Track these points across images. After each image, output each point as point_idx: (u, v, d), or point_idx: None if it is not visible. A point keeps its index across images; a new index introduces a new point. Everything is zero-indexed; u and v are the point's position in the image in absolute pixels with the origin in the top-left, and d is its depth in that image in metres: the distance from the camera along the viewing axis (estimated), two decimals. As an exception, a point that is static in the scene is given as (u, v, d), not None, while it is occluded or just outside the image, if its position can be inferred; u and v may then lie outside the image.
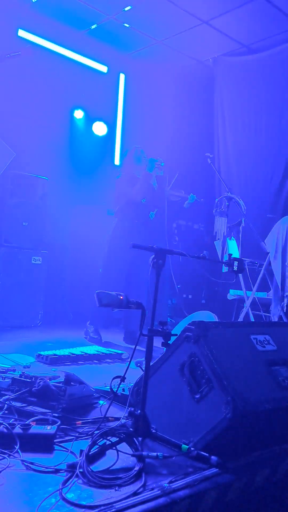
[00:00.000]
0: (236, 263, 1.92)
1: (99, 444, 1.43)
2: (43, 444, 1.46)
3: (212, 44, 5.04)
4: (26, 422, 1.54)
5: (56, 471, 1.32)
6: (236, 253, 3.51)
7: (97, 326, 3.68)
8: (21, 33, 4.67)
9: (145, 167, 3.71)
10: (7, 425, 1.47)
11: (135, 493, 1.23)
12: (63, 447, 1.48)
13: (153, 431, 1.48)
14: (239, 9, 4.38)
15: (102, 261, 3.81)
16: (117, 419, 1.64)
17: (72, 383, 1.86)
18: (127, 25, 4.84)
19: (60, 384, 1.84)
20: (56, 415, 1.68)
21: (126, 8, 4.53)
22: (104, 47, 5.26)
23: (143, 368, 1.55)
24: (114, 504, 1.17)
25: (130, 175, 3.72)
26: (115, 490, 1.24)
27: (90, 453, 1.37)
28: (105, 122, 5.25)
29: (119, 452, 1.44)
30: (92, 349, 3.02)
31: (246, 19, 4.54)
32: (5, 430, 1.45)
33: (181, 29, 4.81)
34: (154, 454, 1.38)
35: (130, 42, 5.16)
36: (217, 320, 3.20)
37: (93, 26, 4.90)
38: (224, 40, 4.95)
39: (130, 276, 3.63)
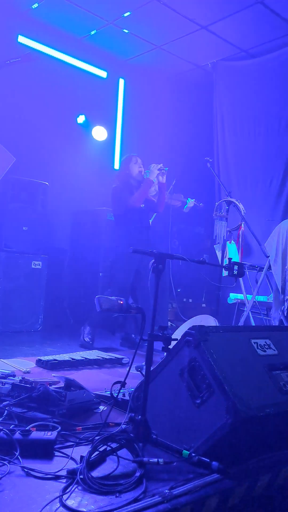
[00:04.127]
0: (236, 267, 1.92)
1: (99, 450, 1.42)
2: (43, 450, 1.45)
3: (211, 49, 5.07)
4: (26, 428, 1.53)
5: (56, 477, 1.32)
6: (236, 257, 3.51)
7: (94, 329, 3.63)
8: (21, 39, 4.70)
9: (141, 175, 3.70)
10: (7, 431, 1.46)
11: (136, 500, 1.22)
12: (63, 453, 1.48)
13: (154, 436, 1.47)
14: (238, 14, 4.41)
15: (112, 269, 3.77)
16: (118, 424, 1.63)
17: (72, 388, 1.86)
18: (126, 31, 4.87)
19: (60, 390, 1.83)
20: (56, 420, 1.67)
21: (125, 14, 4.56)
22: (103, 52, 5.29)
23: (144, 373, 1.54)
24: (114, 511, 1.16)
25: (127, 183, 3.72)
26: (116, 496, 1.23)
27: (90, 459, 1.36)
28: (105, 127, 5.27)
29: (119, 458, 1.43)
30: (92, 354, 3.01)
31: (244, 24, 4.57)
32: (5, 436, 1.44)
33: (180, 35, 4.85)
34: (155, 460, 1.37)
35: (130, 47, 5.19)
36: (217, 324, 3.20)
37: (93, 32, 4.93)
38: (223, 45, 4.99)
39: (137, 283, 3.63)
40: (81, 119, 5.08)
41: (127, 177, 3.74)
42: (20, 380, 1.92)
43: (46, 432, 1.51)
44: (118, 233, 3.73)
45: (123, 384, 1.59)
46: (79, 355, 2.92)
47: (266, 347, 1.71)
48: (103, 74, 5.40)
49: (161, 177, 3.69)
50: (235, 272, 1.90)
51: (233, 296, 3.82)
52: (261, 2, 4.22)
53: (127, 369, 1.61)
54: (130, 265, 3.61)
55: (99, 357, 2.93)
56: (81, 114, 5.08)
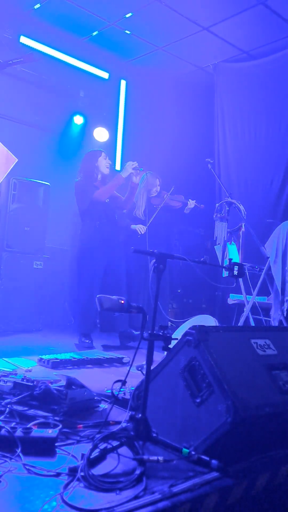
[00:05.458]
0: (236, 267, 1.93)
1: (100, 448, 1.44)
2: (45, 447, 1.47)
3: (212, 50, 5.08)
4: (27, 426, 1.55)
5: (58, 474, 1.33)
6: (236, 258, 3.52)
7: (86, 332, 3.65)
8: (23, 39, 4.72)
9: (109, 170, 3.73)
10: (8, 428, 1.48)
11: (136, 497, 1.23)
12: (65, 451, 1.49)
13: (154, 435, 1.49)
14: (239, 16, 4.42)
15: (77, 264, 3.73)
16: (118, 423, 1.64)
17: (73, 386, 1.87)
18: (128, 32, 4.89)
19: (62, 388, 1.85)
20: (57, 418, 1.69)
21: (127, 15, 4.58)
22: (105, 53, 5.31)
23: (144, 372, 1.56)
24: (115, 508, 1.17)
25: (92, 177, 3.71)
26: (116, 493, 1.25)
27: (91, 457, 1.37)
28: (106, 128, 5.29)
29: (120, 456, 1.44)
30: (93, 353, 3.02)
31: (246, 26, 4.58)
32: (6, 433, 1.46)
33: (181, 36, 4.86)
34: (155, 458, 1.38)
35: (131, 48, 5.21)
36: (217, 325, 3.21)
37: (95, 33, 4.95)
38: (224, 47, 5.00)
39: (108, 276, 3.64)
40: (78, 120, 5.08)
41: (94, 171, 3.71)
42: (21, 378, 1.93)
43: (47, 430, 1.53)
44: (84, 228, 3.71)
45: (123, 383, 1.61)
46: (80, 354, 2.94)
47: (266, 347, 1.73)
48: (105, 75, 5.41)
49: (134, 177, 3.68)
50: (236, 272, 1.92)
51: (233, 297, 3.84)
52: (263, 3, 4.23)
53: (128, 368, 1.62)
54: (97, 260, 3.59)
55: (100, 356, 2.94)
56: (78, 115, 5.08)
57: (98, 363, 2.88)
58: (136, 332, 3.66)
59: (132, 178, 3.70)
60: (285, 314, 3.12)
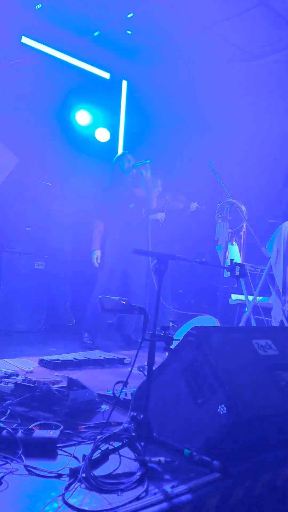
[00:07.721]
0: (237, 268, 1.93)
1: (101, 449, 1.44)
2: (46, 449, 1.47)
3: (215, 50, 5.08)
4: (29, 427, 1.55)
5: (59, 476, 1.33)
6: (237, 258, 3.52)
7: (92, 333, 3.69)
8: (25, 40, 4.72)
9: (132, 174, 3.77)
10: (10, 430, 1.48)
11: (137, 498, 1.23)
12: (66, 452, 1.49)
13: (156, 436, 1.49)
14: (242, 16, 4.41)
15: (100, 270, 3.78)
16: (120, 424, 1.64)
17: (74, 388, 1.87)
18: (129, 32, 4.88)
19: (63, 389, 1.85)
20: (58, 419, 1.69)
21: (129, 15, 4.57)
22: (106, 53, 5.31)
23: (146, 373, 1.56)
24: (116, 509, 1.18)
25: (119, 184, 3.77)
26: (118, 495, 1.25)
27: (92, 458, 1.37)
28: (108, 128, 5.29)
29: (121, 457, 1.44)
30: (94, 354, 3.02)
31: (248, 26, 4.57)
32: (8, 435, 1.46)
33: (183, 36, 4.86)
34: (157, 459, 1.38)
35: (133, 48, 5.20)
36: (219, 325, 3.21)
37: (96, 33, 4.94)
38: (227, 46, 4.99)
39: (128, 283, 3.68)
40: (82, 120, 5.07)
41: (119, 177, 3.76)
42: (23, 379, 1.94)
43: (49, 431, 1.53)
44: (108, 232, 3.74)
45: (125, 383, 1.61)
46: (81, 355, 2.94)
47: (267, 347, 1.72)
48: (106, 75, 5.41)
49: (144, 173, 3.71)
50: (237, 273, 1.91)
51: (235, 297, 3.83)
52: (265, 4, 4.22)
53: (129, 369, 1.62)
54: (115, 265, 3.64)
55: (101, 357, 2.94)
56: (82, 115, 5.08)
57: (100, 364, 2.88)
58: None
59: (144, 175, 3.73)
60: (286, 314, 3.11)
